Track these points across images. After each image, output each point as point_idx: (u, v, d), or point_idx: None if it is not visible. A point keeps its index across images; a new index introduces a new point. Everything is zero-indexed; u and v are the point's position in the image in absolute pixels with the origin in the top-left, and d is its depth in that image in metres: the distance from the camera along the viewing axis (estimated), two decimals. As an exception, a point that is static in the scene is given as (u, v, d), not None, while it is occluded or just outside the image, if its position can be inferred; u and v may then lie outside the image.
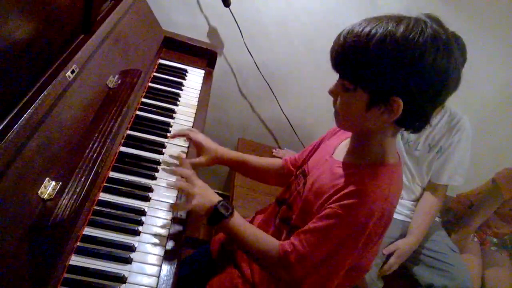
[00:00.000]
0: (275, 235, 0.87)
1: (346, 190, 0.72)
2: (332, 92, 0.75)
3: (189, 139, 1.04)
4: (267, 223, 0.97)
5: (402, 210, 1.59)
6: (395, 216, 1.57)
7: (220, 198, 0.85)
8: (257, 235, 0.83)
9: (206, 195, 0.85)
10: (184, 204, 0.86)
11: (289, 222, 0.86)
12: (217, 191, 2.14)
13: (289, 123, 1.90)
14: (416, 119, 0.71)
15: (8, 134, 0.62)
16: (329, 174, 0.80)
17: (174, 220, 0.87)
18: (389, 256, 1.47)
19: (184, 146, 1.09)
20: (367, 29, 0.66)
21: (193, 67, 1.41)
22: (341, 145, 0.87)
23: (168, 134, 1.07)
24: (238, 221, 0.84)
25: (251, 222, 1.05)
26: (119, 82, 1.01)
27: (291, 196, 0.90)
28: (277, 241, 0.81)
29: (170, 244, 0.82)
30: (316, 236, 0.73)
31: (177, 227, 0.86)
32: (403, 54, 0.63)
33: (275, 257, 0.78)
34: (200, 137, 1.04)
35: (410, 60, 0.63)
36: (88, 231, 0.78)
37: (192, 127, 1.16)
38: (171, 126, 1.12)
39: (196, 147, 1.04)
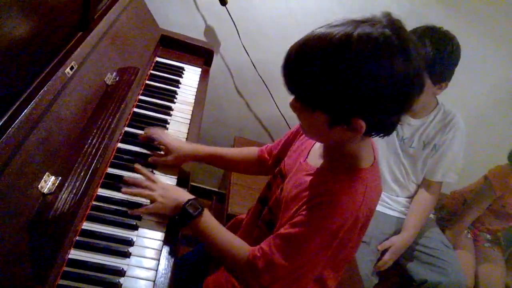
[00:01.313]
0: (259, 236, 0.85)
1: (318, 199, 0.71)
2: (292, 107, 0.71)
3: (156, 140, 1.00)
4: (251, 223, 0.95)
5: (396, 207, 1.61)
6: (390, 212, 1.60)
7: (191, 197, 0.83)
8: (227, 238, 0.81)
9: (169, 196, 0.83)
10: (144, 209, 0.83)
11: (272, 228, 0.83)
12: (213, 189, 2.16)
13: (286, 121, 1.92)
14: (383, 129, 0.69)
15: (9, 130, 0.63)
16: (303, 181, 0.77)
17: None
18: (383, 252, 1.50)
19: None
20: (312, 48, 0.63)
21: (190, 65, 1.42)
22: (315, 148, 0.84)
23: (140, 136, 1.02)
24: (209, 221, 0.81)
25: (241, 222, 1.04)
26: (117, 79, 1.02)
27: (271, 199, 0.88)
28: (248, 246, 0.79)
29: (168, 238, 0.83)
30: (286, 243, 0.72)
31: (175, 222, 0.87)
32: (356, 75, 0.59)
33: (243, 262, 0.76)
34: (164, 138, 0.99)
35: (365, 80, 0.60)
36: (87, 225, 0.79)
37: (189, 125, 1.17)
38: (168, 123, 1.13)
39: (163, 148, 1.00)
